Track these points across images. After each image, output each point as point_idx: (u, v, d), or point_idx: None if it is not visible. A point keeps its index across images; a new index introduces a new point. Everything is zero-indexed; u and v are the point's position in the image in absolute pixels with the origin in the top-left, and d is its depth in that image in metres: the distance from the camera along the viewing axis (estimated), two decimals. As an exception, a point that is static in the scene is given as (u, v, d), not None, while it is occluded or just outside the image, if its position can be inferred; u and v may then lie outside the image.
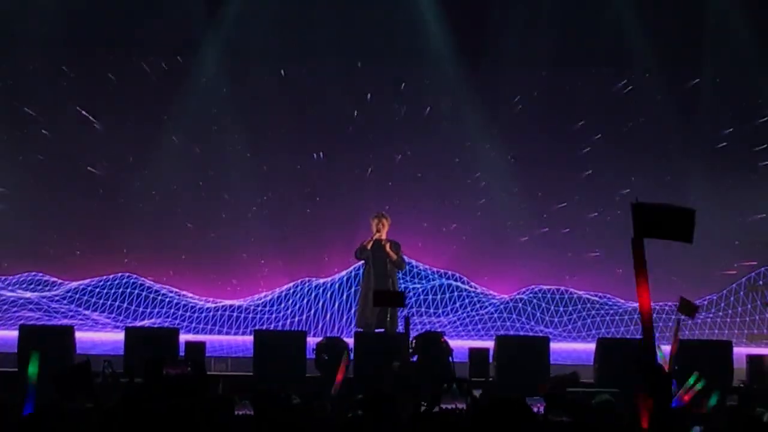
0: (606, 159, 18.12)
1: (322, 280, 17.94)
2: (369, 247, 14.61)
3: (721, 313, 17.85)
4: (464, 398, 6.77)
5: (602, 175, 18.13)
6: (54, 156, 17.73)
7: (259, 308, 17.81)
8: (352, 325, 16.38)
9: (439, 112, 18.16)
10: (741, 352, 13.87)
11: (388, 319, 14.39)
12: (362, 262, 14.85)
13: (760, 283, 18.03)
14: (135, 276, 17.87)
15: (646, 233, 4.86)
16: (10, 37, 17.81)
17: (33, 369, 7.68)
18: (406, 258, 15.12)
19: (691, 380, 8.97)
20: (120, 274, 17.88)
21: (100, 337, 16.48)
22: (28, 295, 17.64)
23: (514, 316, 17.79)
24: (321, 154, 18.10)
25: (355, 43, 17.80)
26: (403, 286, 16.98)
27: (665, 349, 11.07)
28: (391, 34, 17.93)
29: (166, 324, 17.24)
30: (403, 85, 18.08)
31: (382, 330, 14.31)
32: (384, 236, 14.66)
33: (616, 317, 17.75)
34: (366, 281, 14.78)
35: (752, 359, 13.01)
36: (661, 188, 17.58)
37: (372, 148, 18.06)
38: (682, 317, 9.04)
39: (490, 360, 13.15)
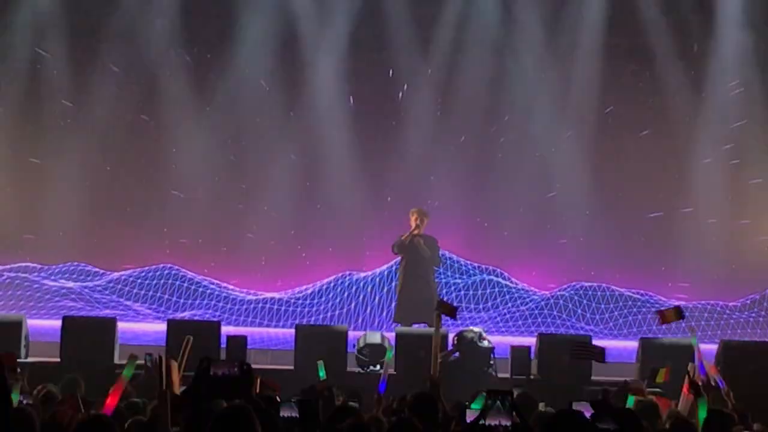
0: (654, 156, 18.00)
1: (362, 274, 17.92)
2: (407, 242, 14.62)
3: (764, 313, 17.68)
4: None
5: (646, 174, 18.02)
6: (97, 147, 17.82)
7: (300, 301, 17.81)
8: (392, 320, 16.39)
9: (482, 106, 18.06)
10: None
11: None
12: (400, 256, 14.87)
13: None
14: (176, 267, 17.94)
15: None
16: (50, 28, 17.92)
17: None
18: (447, 253, 15.10)
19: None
20: (161, 265, 17.95)
21: (142, 328, 16.56)
22: (71, 284, 17.75)
23: (555, 312, 17.69)
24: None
25: (396, 33, 17.82)
26: (443, 281, 16.97)
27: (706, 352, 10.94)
28: (438, 24, 17.91)
29: (207, 316, 17.28)
30: (448, 76, 18.02)
31: (424, 324, 14.25)
32: (422, 231, 14.65)
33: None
34: (402, 276, 14.81)
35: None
36: (708, 182, 17.53)
37: (415, 141, 18.01)
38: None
39: (532, 357, 13.14)
